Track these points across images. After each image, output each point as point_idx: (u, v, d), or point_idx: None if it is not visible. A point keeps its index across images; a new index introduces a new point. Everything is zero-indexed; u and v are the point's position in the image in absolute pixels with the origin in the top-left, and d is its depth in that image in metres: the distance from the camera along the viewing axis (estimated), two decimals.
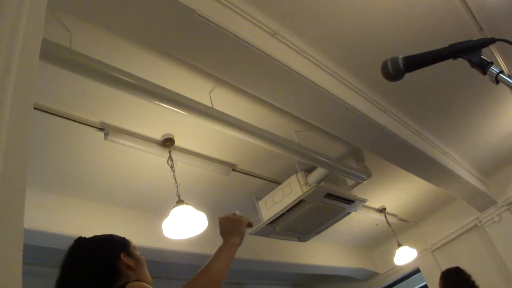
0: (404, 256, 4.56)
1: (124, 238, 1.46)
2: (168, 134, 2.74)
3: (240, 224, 1.49)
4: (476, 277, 3.05)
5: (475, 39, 1.07)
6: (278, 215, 3.32)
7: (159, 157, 2.78)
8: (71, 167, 2.76)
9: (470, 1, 2.45)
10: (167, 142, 2.74)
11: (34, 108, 2.11)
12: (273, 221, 3.37)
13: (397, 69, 1.12)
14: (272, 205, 3.40)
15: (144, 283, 1.27)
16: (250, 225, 1.52)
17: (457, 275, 3.05)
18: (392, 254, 4.68)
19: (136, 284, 1.24)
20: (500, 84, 1.02)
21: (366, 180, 3.59)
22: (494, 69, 1.01)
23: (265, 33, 2.14)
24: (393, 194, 4.52)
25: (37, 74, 0.85)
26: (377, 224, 4.98)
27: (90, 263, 1.30)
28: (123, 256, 1.35)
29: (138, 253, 1.44)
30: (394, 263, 4.72)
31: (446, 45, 1.09)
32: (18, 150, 0.74)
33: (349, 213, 3.67)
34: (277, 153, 2.87)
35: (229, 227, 1.48)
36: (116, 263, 1.33)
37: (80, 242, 1.38)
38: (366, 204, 3.92)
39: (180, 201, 2.56)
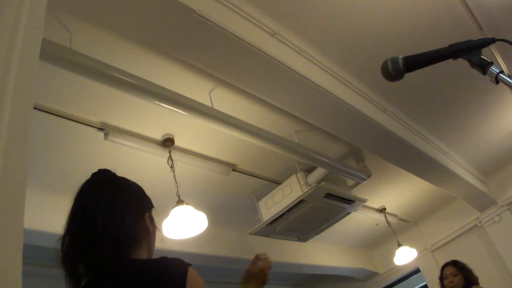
0: (404, 256, 4.56)
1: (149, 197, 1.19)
2: (168, 134, 2.74)
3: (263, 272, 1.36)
4: None
5: (475, 39, 1.07)
6: (278, 215, 3.32)
7: (159, 157, 2.78)
8: (71, 167, 2.76)
9: (470, 1, 2.45)
10: (167, 142, 2.74)
11: (34, 108, 2.11)
12: (273, 221, 3.37)
13: (397, 69, 1.12)
14: (272, 205, 3.40)
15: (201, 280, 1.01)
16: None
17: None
18: (392, 254, 4.68)
19: (196, 274, 1.00)
20: (500, 84, 1.02)
21: (366, 180, 3.59)
22: (494, 69, 1.01)
23: (265, 33, 2.14)
24: (393, 194, 4.52)
25: (37, 74, 0.85)
26: (377, 224, 4.98)
27: (117, 204, 1.04)
28: (147, 217, 1.11)
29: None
30: (394, 263, 4.72)
31: (446, 45, 1.09)
32: (18, 150, 0.73)
33: (349, 213, 3.68)
34: (277, 153, 2.87)
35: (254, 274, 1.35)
36: (138, 220, 1.08)
37: (110, 177, 1.15)
38: (366, 204, 3.92)
39: (180, 201, 2.56)
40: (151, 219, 1.13)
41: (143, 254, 1.06)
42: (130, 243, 1.03)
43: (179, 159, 2.82)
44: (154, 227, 1.14)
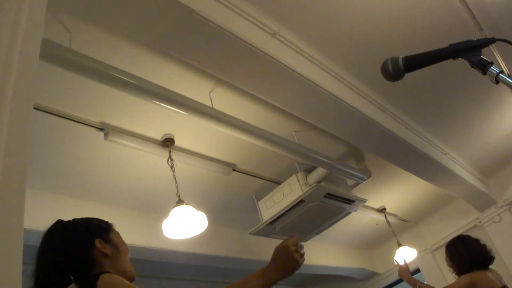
0: (404, 256, 4.55)
1: (106, 222, 1.39)
2: (168, 134, 2.74)
3: (294, 265, 1.33)
4: None
5: (475, 39, 1.07)
6: (278, 215, 3.32)
7: (159, 157, 2.78)
8: (71, 167, 2.76)
9: (470, 1, 2.45)
10: (167, 142, 2.74)
11: (34, 108, 2.11)
12: (273, 221, 3.37)
13: (397, 69, 1.12)
14: (272, 205, 3.40)
15: (116, 276, 1.18)
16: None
17: (460, 241, 2.86)
18: (392, 254, 4.68)
19: (109, 276, 1.17)
20: (500, 84, 1.02)
21: (366, 180, 3.59)
22: (494, 69, 1.01)
23: (265, 33, 2.14)
24: (393, 194, 4.52)
25: (37, 74, 0.85)
26: (377, 224, 4.98)
27: (61, 249, 1.23)
28: (98, 242, 1.28)
29: (120, 239, 1.37)
30: (394, 263, 4.71)
31: (446, 45, 1.09)
32: (18, 150, 0.74)
33: (349, 213, 3.68)
34: (277, 153, 2.87)
35: (282, 261, 1.32)
36: (89, 250, 1.26)
37: (55, 227, 1.32)
38: (366, 204, 3.92)
39: (180, 201, 2.56)
40: (107, 241, 1.30)
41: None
42: (84, 268, 1.22)
43: (179, 159, 2.82)
44: (114, 247, 1.31)
